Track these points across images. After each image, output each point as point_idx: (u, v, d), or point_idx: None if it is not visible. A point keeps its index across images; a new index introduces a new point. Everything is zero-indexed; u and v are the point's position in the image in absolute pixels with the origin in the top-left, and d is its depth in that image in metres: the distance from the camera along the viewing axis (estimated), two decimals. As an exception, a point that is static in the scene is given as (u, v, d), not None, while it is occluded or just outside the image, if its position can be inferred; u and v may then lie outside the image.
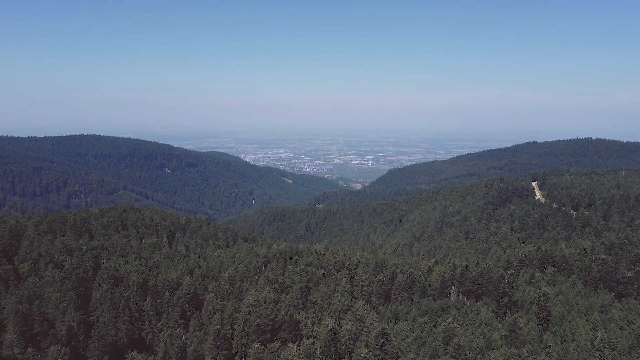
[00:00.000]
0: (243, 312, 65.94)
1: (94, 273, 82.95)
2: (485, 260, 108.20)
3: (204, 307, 76.65)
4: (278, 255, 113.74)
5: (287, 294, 77.57)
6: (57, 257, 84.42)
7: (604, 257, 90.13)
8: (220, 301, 77.60)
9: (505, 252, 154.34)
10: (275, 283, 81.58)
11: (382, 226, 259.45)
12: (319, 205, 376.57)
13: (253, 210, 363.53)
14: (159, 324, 71.21)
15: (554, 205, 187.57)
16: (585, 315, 68.42)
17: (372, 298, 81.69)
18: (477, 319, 67.81)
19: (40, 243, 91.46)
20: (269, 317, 63.25)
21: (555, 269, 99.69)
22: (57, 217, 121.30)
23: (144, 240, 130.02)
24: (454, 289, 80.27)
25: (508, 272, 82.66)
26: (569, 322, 64.60)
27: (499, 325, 71.02)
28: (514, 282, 79.17)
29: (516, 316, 65.90)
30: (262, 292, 75.79)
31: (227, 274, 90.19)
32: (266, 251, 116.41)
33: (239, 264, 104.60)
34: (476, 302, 78.95)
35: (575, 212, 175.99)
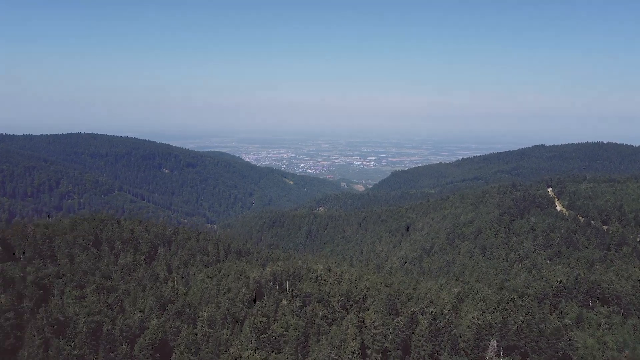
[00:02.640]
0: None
1: (33, 315, 65.50)
2: (525, 295, 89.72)
3: (170, 366, 59.24)
4: (272, 281, 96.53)
5: (278, 352, 60.03)
6: (-11, 293, 66.98)
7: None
8: (192, 356, 60.21)
9: (530, 273, 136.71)
10: (264, 333, 63.99)
11: (388, 235, 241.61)
12: (320, 209, 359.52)
13: (252, 214, 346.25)
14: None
15: (582, 219, 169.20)
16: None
17: (387, 352, 64.17)
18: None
19: (-25, 273, 74.00)
20: (250, 402, 46.01)
21: (608, 308, 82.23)
22: (15, 233, 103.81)
23: (118, 259, 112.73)
24: (492, 343, 62.70)
25: (564, 322, 65.09)
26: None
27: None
28: (574, 338, 61.37)
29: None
30: (246, 347, 58.25)
31: (205, 314, 72.85)
32: (258, 275, 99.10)
33: (224, 295, 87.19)
34: (522, 360, 61.51)
35: (605, 227, 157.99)
